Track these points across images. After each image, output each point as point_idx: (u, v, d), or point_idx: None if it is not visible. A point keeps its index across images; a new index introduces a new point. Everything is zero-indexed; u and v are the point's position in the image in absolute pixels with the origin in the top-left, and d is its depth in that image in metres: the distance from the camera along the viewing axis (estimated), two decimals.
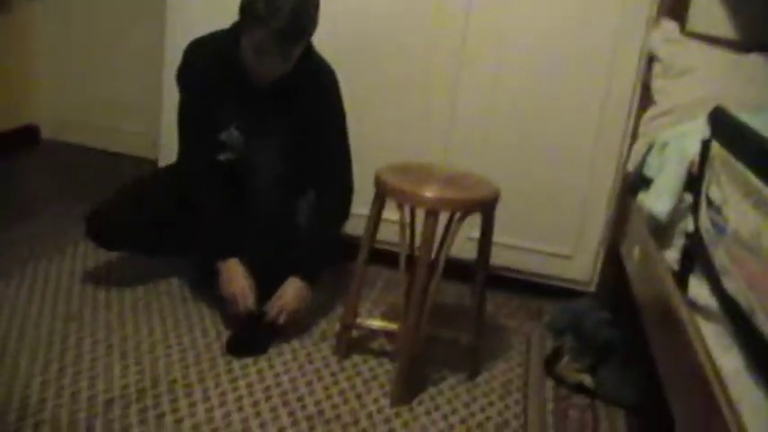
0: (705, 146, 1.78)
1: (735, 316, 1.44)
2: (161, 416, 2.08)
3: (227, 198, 2.59)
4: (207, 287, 2.72)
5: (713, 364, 1.46)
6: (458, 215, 2.29)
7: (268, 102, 2.52)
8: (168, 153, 3.32)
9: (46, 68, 4.32)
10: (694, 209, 1.80)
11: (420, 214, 2.30)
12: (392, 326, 2.48)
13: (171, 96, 3.23)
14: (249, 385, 2.28)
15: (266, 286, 2.53)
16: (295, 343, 2.56)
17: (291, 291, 2.52)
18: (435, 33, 2.97)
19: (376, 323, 2.62)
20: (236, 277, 2.50)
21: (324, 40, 2.56)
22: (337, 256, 2.83)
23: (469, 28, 2.94)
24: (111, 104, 4.30)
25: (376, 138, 3.06)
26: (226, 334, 2.54)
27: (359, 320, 2.51)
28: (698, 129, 1.89)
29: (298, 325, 2.59)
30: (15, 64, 4.15)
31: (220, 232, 2.58)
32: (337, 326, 2.59)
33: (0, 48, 4.00)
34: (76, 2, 4.23)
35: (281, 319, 2.49)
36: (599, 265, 3.06)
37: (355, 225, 2.86)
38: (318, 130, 2.58)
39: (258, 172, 2.59)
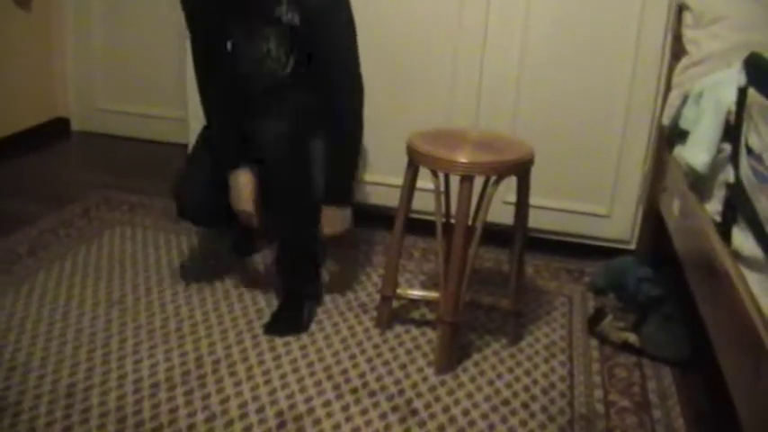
0: (742, 94, 1.74)
1: None
2: (207, 396, 2.10)
3: (238, 111, 2.57)
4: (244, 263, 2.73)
5: (761, 313, 1.43)
6: (493, 179, 2.27)
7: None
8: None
9: (72, 60, 4.35)
10: (734, 158, 1.77)
11: (454, 180, 2.28)
12: (432, 294, 2.47)
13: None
14: (293, 362, 2.29)
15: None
16: (336, 317, 2.56)
17: (333, 218, 2.52)
18: None
19: (416, 293, 2.61)
20: (242, 192, 2.48)
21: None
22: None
23: None
24: (139, 92, 4.33)
25: (406, 105, 3.05)
26: (267, 312, 2.55)
27: (399, 291, 2.50)
28: (733, 77, 1.85)
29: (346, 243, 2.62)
30: (41, 58, 4.18)
31: (228, 143, 2.54)
32: (377, 297, 2.59)
33: (25, 42, 4.03)
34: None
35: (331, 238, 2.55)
36: (638, 222, 3.02)
37: (389, 195, 2.85)
38: (324, 22, 2.48)
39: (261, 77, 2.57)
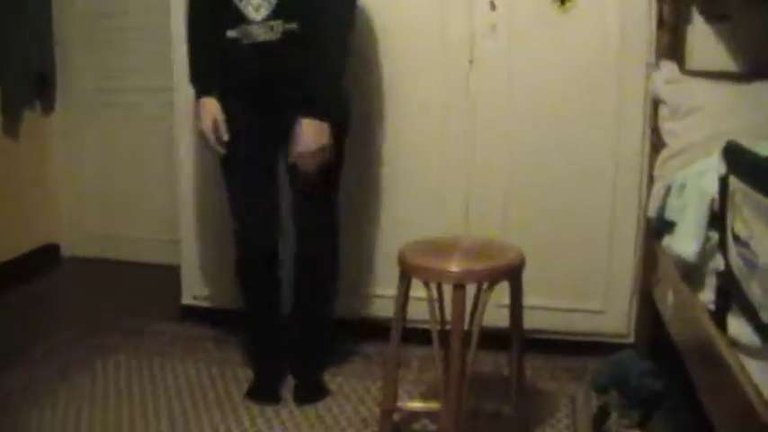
0: (723, 182, 1.76)
1: None
2: None
3: (215, 42, 2.62)
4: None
5: (763, 401, 1.41)
6: (485, 285, 2.27)
7: None
8: (190, 257, 3.36)
9: (62, 186, 4.39)
10: (722, 247, 1.77)
11: (447, 289, 2.28)
12: (433, 405, 2.43)
13: (187, 200, 3.28)
14: None
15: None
16: None
17: (306, 131, 2.53)
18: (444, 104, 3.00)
19: (417, 405, 2.57)
20: (206, 114, 2.61)
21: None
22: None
23: (471, 87, 2.97)
24: (130, 215, 4.35)
25: (397, 216, 3.08)
26: None
27: (399, 404, 2.47)
28: (713, 165, 1.87)
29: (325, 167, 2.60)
30: (30, 184, 4.21)
31: (201, 69, 2.67)
32: (378, 411, 2.54)
33: (14, 170, 4.06)
34: (88, 117, 4.33)
35: (307, 165, 2.56)
36: (634, 315, 3.01)
37: (383, 306, 2.85)
38: None
39: None
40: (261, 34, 2.53)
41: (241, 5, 2.53)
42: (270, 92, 2.61)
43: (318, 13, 2.53)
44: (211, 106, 2.62)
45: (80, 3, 4.23)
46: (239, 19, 2.54)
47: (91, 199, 4.39)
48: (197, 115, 2.67)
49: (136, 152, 4.25)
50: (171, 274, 3.58)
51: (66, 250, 4.48)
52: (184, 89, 3.09)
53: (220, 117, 2.61)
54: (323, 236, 2.79)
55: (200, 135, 2.68)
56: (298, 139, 2.54)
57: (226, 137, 2.62)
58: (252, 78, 2.61)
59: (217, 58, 2.63)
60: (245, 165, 2.70)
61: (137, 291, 3.97)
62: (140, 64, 4.12)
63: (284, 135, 2.59)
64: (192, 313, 3.44)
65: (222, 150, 2.64)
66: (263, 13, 2.52)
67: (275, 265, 2.82)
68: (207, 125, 2.61)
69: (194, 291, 3.43)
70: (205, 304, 3.42)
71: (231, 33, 2.56)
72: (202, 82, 2.66)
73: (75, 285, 4.19)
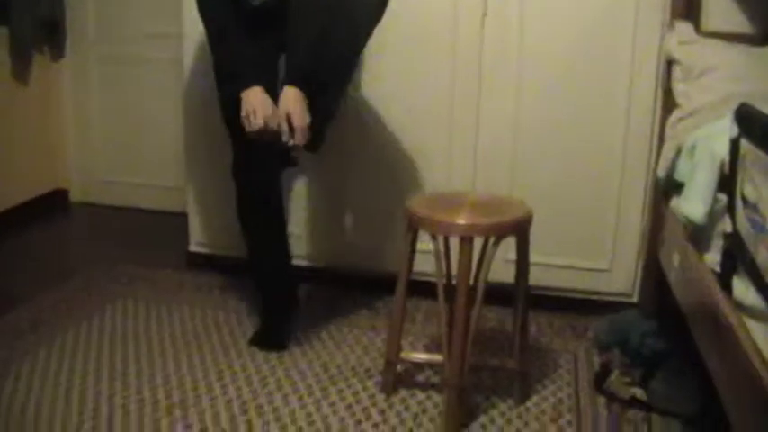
0: (734, 144, 1.75)
1: None
2: None
3: (244, 31, 2.54)
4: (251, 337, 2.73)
5: (766, 363, 1.42)
6: (492, 240, 2.28)
7: None
8: (197, 205, 3.37)
9: (71, 132, 4.41)
10: (730, 209, 1.77)
11: (454, 242, 2.28)
12: (437, 357, 2.46)
13: (194, 147, 3.29)
14: (299, 429, 2.26)
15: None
16: (341, 383, 2.54)
17: (288, 98, 2.49)
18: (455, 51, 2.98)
19: (420, 356, 2.59)
20: (255, 98, 2.46)
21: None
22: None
23: (485, 49, 2.95)
24: (138, 162, 4.37)
25: (403, 171, 3.08)
26: (270, 386, 2.53)
27: (403, 355, 2.49)
28: (725, 128, 1.86)
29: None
30: (40, 130, 4.23)
31: (242, 63, 2.53)
32: (381, 362, 2.57)
33: (24, 115, 4.08)
34: (96, 64, 4.33)
35: (294, 132, 2.49)
36: (639, 275, 3.02)
37: (389, 259, 2.86)
38: None
39: None
40: None
41: None
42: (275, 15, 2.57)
43: None
44: (261, 97, 2.47)
45: None
46: None
47: (99, 145, 4.41)
48: (246, 108, 2.46)
49: (144, 100, 4.25)
50: (178, 220, 3.60)
51: (75, 195, 4.51)
52: (194, 36, 3.09)
53: (269, 106, 2.47)
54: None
55: (247, 114, 2.47)
56: (280, 104, 2.51)
57: (269, 112, 2.47)
58: (259, 31, 2.59)
59: (242, 42, 2.53)
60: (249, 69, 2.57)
61: (145, 237, 4.00)
62: (150, 11, 4.10)
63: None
64: (198, 260, 3.47)
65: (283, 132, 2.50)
66: None
67: (278, 206, 2.80)
68: (266, 114, 2.45)
69: (201, 238, 3.45)
70: (212, 251, 3.45)
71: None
72: (246, 76, 2.50)
73: (84, 231, 4.22)
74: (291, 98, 2.49)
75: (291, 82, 2.51)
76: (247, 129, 2.47)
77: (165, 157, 4.20)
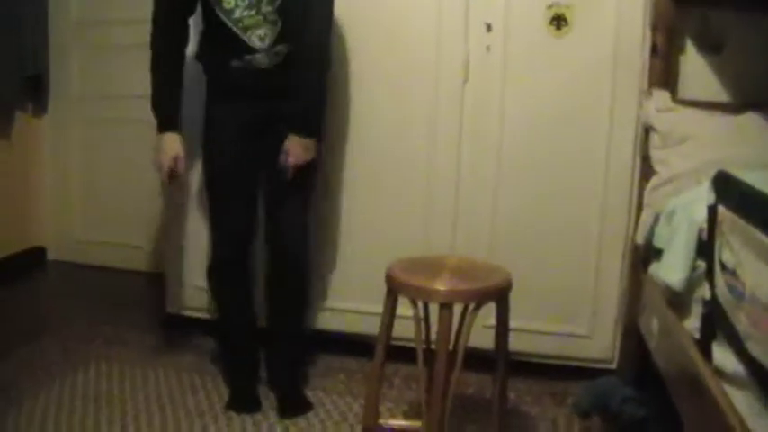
0: (712, 211, 1.77)
1: (764, 380, 1.40)
2: None
3: (179, 72, 2.73)
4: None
5: (747, 431, 1.41)
6: (472, 306, 2.27)
7: None
8: (175, 266, 3.34)
9: (49, 189, 4.39)
10: (709, 275, 1.78)
11: (434, 308, 2.27)
12: (415, 424, 2.43)
13: (173, 208, 3.28)
14: None
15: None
16: None
17: (295, 145, 2.61)
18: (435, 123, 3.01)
19: (398, 422, 2.56)
20: (168, 151, 2.65)
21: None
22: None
23: (465, 115, 2.98)
24: (116, 222, 4.35)
25: (384, 234, 3.08)
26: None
27: (381, 421, 2.45)
28: (703, 194, 1.88)
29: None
30: (18, 185, 4.21)
31: (165, 99, 2.70)
32: (359, 428, 2.53)
33: (3, 169, 4.06)
34: (78, 122, 4.35)
35: (289, 175, 2.63)
36: (618, 341, 3.01)
37: (369, 323, 2.84)
38: None
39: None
40: (266, 61, 2.62)
41: (245, 37, 2.58)
42: (267, 109, 2.67)
43: (304, 32, 2.62)
44: (174, 143, 2.67)
45: (76, 8, 4.26)
46: (244, 50, 2.60)
47: (78, 203, 4.40)
48: (158, 148, 2.68)
49: (124, 159, 4.25)
50: (155, 282, 3.57)
51: (52, 254, 4.47)
52: None
53: (182, 153, 2.67)
54: (297, 237, 2.80)
55: (156, 165, 2.70)
56: (288, 152, 2.61)
57: (178, 174, 2.69)
58: (252, 98, 2.66)
59: (181, 88, 2.71)
60: (230, 182, 2.74)
61: (121, 297, 3.96)
62: (132, 71, 4.11)
63: (268, 157, 2.67)
64: (174, 321, 3.42)
65: (169, 183, 2.76)
66: (268, 41, 2.60)
67: (248, 275, 2.87)
68: (166, 162, 2.65)
69: (178, 300, 3.41)
70: (188, 313, 3.41)
71: (236, 63, 2.63)
72: (166, 112, 2.70)
73: (60, 290, 4.17)
74: (294, 142, 2.61)
75: (296, 132, 2.62)
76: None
77: (142, 217, 4.19)
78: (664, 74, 2.82)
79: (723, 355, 1.65)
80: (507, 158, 2.99)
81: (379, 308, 2.37)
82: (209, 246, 2.95)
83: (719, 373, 1.66)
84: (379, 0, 3.03)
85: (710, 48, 2.84)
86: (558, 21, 2.91)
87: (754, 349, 1.43)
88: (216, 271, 2.84)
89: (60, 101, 4.33)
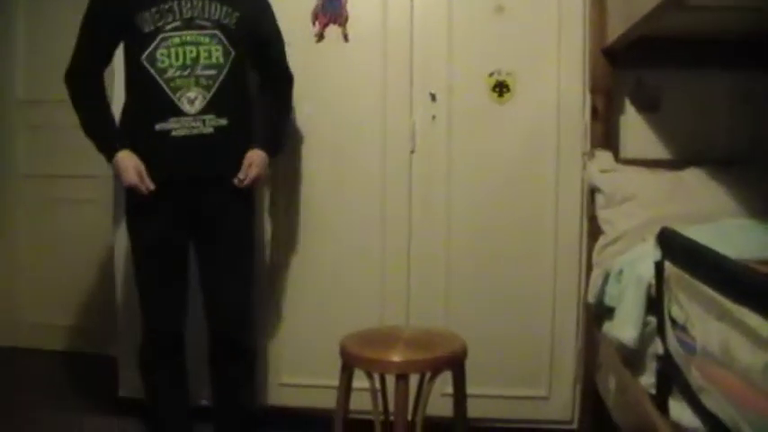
0: (659, 267, 1.79)
1: None
2: None
3: (107, 106, 2.68)
4: None
5: None
6: (428, 375, 2.25)
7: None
8: (127, 348, 3.28)
9: None
10: (660, 331, 1.79)
11: (390, 379, 2.26)
12: None
13: (125, 290, 3.23)
14: None
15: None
16: None
17: (258, 158, 2.64)
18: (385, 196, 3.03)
19: None
20: (129, 167, 2.54)
21: None
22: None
23: (414, 184, 3.01)
24: (66, 304, 4.26)
25: (337, 305, 3.06)
26: None
27: None
28: (649, 251, 1.90)
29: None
30: None
31: (102, 132, 2.63)
32: None
33: None
34: (23, 204, 4.32)
35: (247, 181, 2.63)
36: (577, 400, 3.01)
37: (325, 397, 2.80)
38: (258, 24, 2.71)
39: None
40: (193, 128, 2.54)
41: (175, 98, 2.52)
42: (192, 182, 2.59)
43: (268, 86, 2.77)
44: (130, 159, 2.55)
45: (20, 89, 4.26)
46: (172, 111, 2.53)
47: (24, 287, 4.30)
48: (118, 174, 2.59)
49: (72, 240, 4.19)
50: (107, 364, 3.49)
51: None
52: None
53: (141, 167, 2.54)
54: (240, 319, 2.75)
55: (128, 188, 2.58)
56: (253, 163, 2.64)
57: (151, 185, 2.55)
58: (175, 167, 2.57)
59: (110, 115, 2.67)
60: (157, 253, 2.65)
61: (72, 382, 3.86)
62: (79, 151, 4.09)
63: (196, 224, 2.64)
64: (128, 405, 3.33)
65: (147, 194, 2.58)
66: (198, 106, 2.54)
67: (182, 357, 2.78)
68: (133, 177, 2.53)
69: (131, 382, 3.33)
70: (143, 396, 3.32)
71: (160, 126, 2.53)
72: (110, 142, 2.60)
73: (8, 377, 4.05)
74: (257, 156, 2.65)
75: (262, 148, 2.67)
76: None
77: (93, 299, 4.12)
78: (605, 135, 2.89)
79: (680, 410, 1.66)
80: (456, 226, 3.01)
81: (335, 381, 2.34)
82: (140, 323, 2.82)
83: (677, 427, 1.66)
84: (325, 75, 3.06)
85: (647, 107, 2.93)
86: (501, 88, 2.97)
87: (709, 402, 1.43)
88: (149, 346, 2.74)
89: (4, 181, 4.28)
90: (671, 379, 1.73)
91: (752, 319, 1.25)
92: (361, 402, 2.35)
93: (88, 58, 2.64)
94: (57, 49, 4.08)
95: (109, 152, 2.59)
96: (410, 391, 2.21)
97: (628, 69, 2.91)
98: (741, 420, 1.27)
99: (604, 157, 2.83)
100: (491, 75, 2.97)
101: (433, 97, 2.98)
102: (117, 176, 2.62)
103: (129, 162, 2.54)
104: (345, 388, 2.33)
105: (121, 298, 3.29)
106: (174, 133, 2.53)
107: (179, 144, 2.54)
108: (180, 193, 2.59)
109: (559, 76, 2.93)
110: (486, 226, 3.00)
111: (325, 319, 3.07)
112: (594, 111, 2.89)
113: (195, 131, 2.54)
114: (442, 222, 3.02)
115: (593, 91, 2.89)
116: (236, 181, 2.61)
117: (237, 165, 2.61)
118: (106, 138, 2.62)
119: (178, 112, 2.53)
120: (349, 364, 2.30)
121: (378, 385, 2.35)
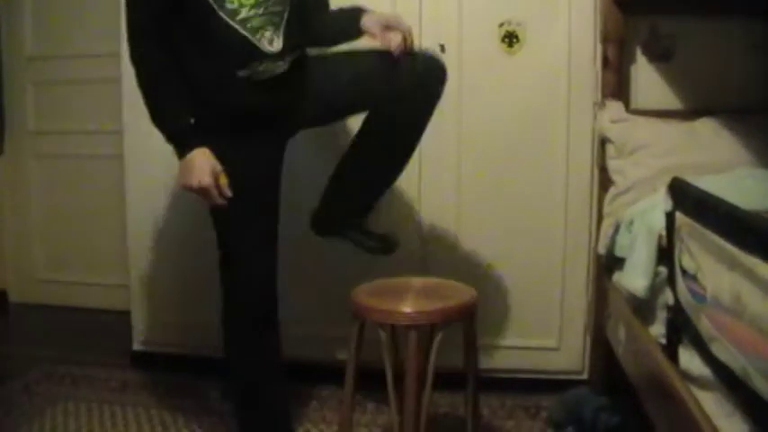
0: (670, 218, 1.79)
1: (730, 382, 1.41)
2: None
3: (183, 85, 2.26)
4: None
5: None
6: (439, 326, 2.27)
7: None
8: (140, 302, 3.31)
9: (9, 230, 4.33)
10: (671, 281, 1.80)
11: (401, 330, 2.27)
12: None
13: (137, 244, 3.25)
14: None
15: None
16: None
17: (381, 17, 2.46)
18: None
19: None
20: (204, 168, 2.19)
21: None
22: None
23: (424, 135, 2.98)
24: (79, 260, 4.29)
25: (347, 256, 3.06)
26: None
27: None
28: (660, 202, 1.90)
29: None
30: None
31: (176, 113, 2.25)
32: None
33: None
34: (36, 160, 4.31)
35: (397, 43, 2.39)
36: (587, 351, 3.02)
37: (336, 349, 2.83)
38: None
39: None
40: (274, 68, 2.26)
41: (255, 39, 2.22)
42: (281, 122, 2.39)
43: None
44: (206, 158, 2.21)
45: (30, 45, 4.23)
46: (253, 55, 2.22)
47: (38, 243, 4.33)
48: (187, 170, 2.21)
49: (85, 196, 4.21)
50: (121, 319, 3.53)
51: (14, 296, 4.40)
52: (134, 132, 3.07)
53: (219, 168, 2.22)
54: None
55: (201, 192, 2.22)
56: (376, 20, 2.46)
57: (228, 193, 2.23)
58: (264, 112, 2.32)
59: (186, 94, 2.26)
60: (257, 209, 2.39)
61: (87, 337, 3.90)
62: (90, 107, 4.10)
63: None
64: (143, 359, 3.38)
65: (224, 201, 2.24)
66: (277, 46, 2.25)
67: (277, 326, 2.55)
68: (208, 181, 2.19)
69: (145, 336, 3.37)
70: (156, 350, 3.36)
71: (242, 72, 2.23)
72: (182, 128, 2.24)
73: (23, 332, 4.11)
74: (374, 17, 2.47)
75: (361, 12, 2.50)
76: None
77: (106, 254, 4.14)
78: (616, 85, 2.86)
79: (689, 359, 1.67)
80: (467, 178, 3.01)
81: (346, 332, 2.36)
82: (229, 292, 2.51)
83: (687, 376, 1.67)
84: None
85: (660, 56, 2.89)
86: (510, 38, 2.95)
87: (719, 352, 1.44)
88: (243, 323, 2.46)
89: (17, 139, 4.28)
90: (681, 329, 1.73)
91: (763, 268, 1.25)
92: (372, 353, 2.36)
93: (154, 4, 2.21)
94: (66, 4, 4.13)
95: (182, 142, 2.23)
96: (421, 342, 2.22)
97: (640, 18, 2.87)
98: (751, 369, 1.27)
99: (615, 107, 2.80)
100: (501, 25, 2.94)
101: (443, 48, 2.95)
102: (181, 175, 2.24)
103: (208, 161, 2.21)
104: (356, 339, 2.34)
105: (134, 253, 3.31)
106: (257, 77, 2.25)
107: (266, 87, 2.27)
108: (270, 138, 2.40)
109: (570, 26, 2.89)
110: (496, 177, 3.00)
111: (336, 273, 3.08)
112: (606, 60, 2.85)
113: (279, 70, 2.27)
114: (453, 173, 3.01)
115: (605, 40, 2.85)
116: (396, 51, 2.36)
117: (304, 97, 2.38)
118: (179, 122, 2.25)
119: (261, 55, 2.23)
120: (360, 315, 2.31)
121: (389, 336, 2.36)
